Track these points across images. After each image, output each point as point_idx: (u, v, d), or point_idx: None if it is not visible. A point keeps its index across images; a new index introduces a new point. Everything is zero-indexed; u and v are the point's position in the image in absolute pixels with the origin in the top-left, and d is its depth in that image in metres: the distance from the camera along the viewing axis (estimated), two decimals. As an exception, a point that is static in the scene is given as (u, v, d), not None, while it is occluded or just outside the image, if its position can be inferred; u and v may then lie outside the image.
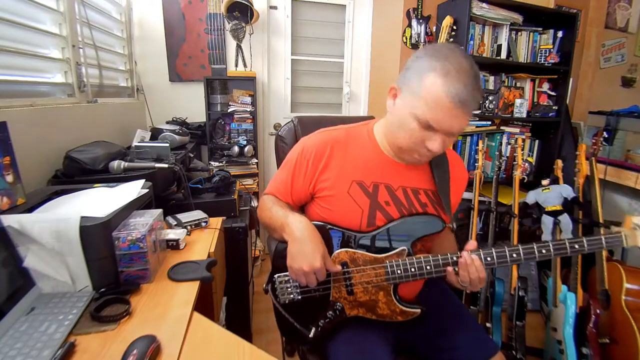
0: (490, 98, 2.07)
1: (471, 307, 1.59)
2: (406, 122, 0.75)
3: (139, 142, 1.43)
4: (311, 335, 0.82)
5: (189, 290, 0.78)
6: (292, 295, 0.84)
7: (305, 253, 0.75)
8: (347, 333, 0.83)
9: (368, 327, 0.84)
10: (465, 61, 0.71)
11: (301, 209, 0.97)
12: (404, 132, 0.77)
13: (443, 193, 0.88)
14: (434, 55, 0.72)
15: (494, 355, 0.83)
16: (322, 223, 0.84)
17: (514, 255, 0.77)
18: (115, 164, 1.14)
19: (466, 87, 0.68)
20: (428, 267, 0.78)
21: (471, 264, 0.75)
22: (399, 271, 0.79)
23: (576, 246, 0.76)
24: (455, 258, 0.78)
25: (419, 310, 0.82)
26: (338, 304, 0.83)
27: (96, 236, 0.72)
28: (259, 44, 2.38)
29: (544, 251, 0.76)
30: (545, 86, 2.23)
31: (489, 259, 0.77)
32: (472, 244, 0.79)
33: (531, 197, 1.72)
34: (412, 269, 0.79)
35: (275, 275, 0.86)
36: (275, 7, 2.46)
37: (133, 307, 0.71)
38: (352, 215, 0.83)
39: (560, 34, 2.14)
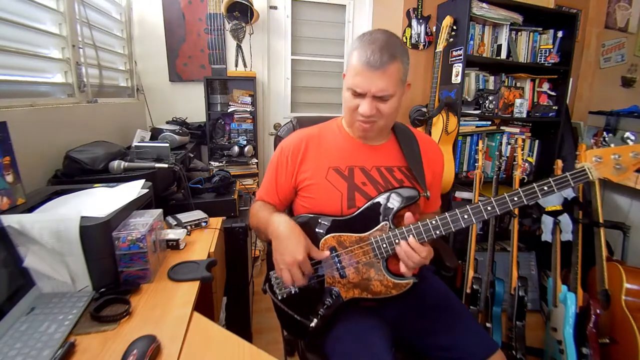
0: (490, 98, 2.07)
1: (471, 307, 1.59)
2: (345, 97, 0.87)
3: (139, 142, 1.43)
4: (313, 325, 0.83)
5: (189, 290, 0.78)
6: (288, 289, 0.86)
7: (288, 247, 0.79)
8: (345, 330, 0.83)
9: (367, 324, 0.84)
10: (378, 34, 0.82)
11: (289, 210, 1.02)
12: (345, 106, 0.88)
13: (415, 166, 0.93)
14: (358, 38, 0.85)
15: (494, 353, 0.83)
16: (308, 215, 0.89)
17: (465, 216, 0.78)
18: (115, 164, 1.14)
19: (373, 52, 0.79)
20: (411, 236, 0.79)
21: (408, 250, 0.77)
22: (384, 245, 0.81)
23: (545, 188, 0.76)
24: (434, 222, 0.79)
25: (411, 281, 0.82)
26: (334, 289, 0.84)
27: (96, 236, 0.73)
28: (259, 44, 2.38)
29: (515, 199, 0.76)
30: (545, 86, 2.23)
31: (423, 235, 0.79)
32: (409, 216, 0.80)
33: (531, 197, 1.72)
34: (397, 241, 0.80)
35: (271, 272, 0.88)
36: (275, 7, 2.46)
37: (133, 307, 0.71)
38: (333, 200, 0.88)
39: (560, 34, 2.14)
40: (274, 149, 1.24)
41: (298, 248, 0.78)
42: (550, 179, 0.76)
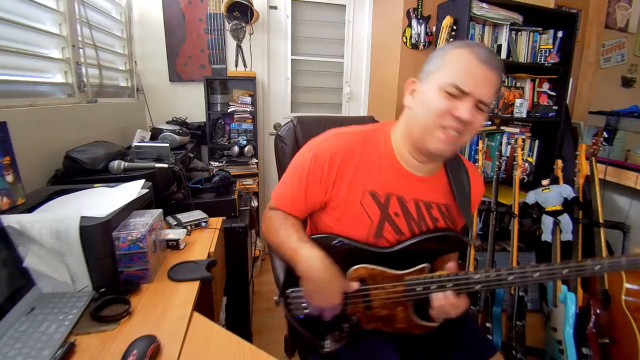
0: (490, 98, 2.07)
1: (471, 307, 1.59)
2: (430, 98, 0.72)
3: (139, 142, 1.42)
4: (327, 349, 0.80)
5: (189, 290, 0.78)
6: (307, 310, 0.81)
7: (324, 294, 0.74)
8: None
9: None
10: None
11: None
12: (427, 110, 0.73)
13: (463, 204, 0.83)
14: (452, 42, 0.76)
15: (493, 357, 0.83)
16: (343, 240, 0.80)
17: (510, 278, 0.72)
18: (115, 164, 1.14)
19: (489, 52, 0.70)
20: (449, 285, 0.74)
21: (445, 305, 0.73)
22: (418, 288, 0.76)
23: (597, 267, 0.71)
24: (477, 277, 0.73)
25: (437, 324, 0.80)
26: (354, 317, 0.80)
27: (96, 236, 0.72)
28: (259, 44, 2.38)
29: (564, 272, 0.70)
30: (545, 86, 2.23)
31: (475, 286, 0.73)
32: (451, 267, 0.75)
33: (531, 197, 1.73)
34: (433, 287, 0.75)
35: (289, 290, 0.83)
36: (275, 7, 2.46)
37: (133, 307, 0.71)
38: (361, 226, 0.80)
39: (560, 34, 2.14)
40: (274, 149, 1.23)
41: (335, 294, 0.73)
42: (606, 260, 0.71)
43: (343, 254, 0.78)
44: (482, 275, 0.72)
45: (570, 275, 0.71)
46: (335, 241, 0.79)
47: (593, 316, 1.40)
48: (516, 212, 1.70)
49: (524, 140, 2.19)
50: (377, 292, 0.78)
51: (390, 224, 0.80)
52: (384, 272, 0.78)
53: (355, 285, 0.76)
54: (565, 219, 1.57)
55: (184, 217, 1.13)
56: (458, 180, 0.84)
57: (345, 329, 0.80)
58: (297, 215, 0.86)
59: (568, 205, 1.59)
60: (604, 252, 1.45)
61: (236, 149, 2.16)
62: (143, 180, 1.02)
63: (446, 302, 0.73)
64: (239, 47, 2.28)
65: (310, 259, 0.73)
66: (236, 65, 2.32)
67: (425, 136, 0.74)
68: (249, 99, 2.27)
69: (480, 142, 1.92)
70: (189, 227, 1.09)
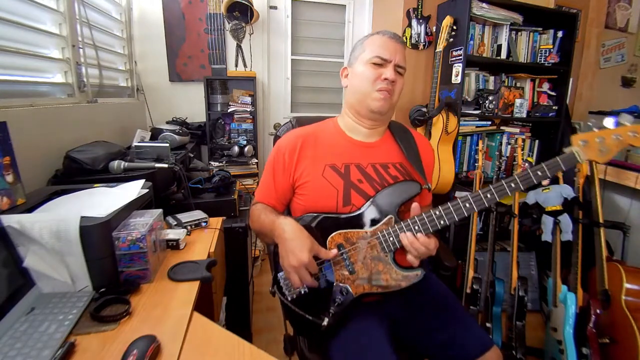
0: (490, 98, 2.07)
1: (471, 307, 1.59)
2: (361, 73, 0.92)
3: (139, 142, 1.43)
4: (325, 323, 0.82)
5: (189, 290, 0.78)
6: (298, 289, 0.86)
7: (293, 250, 0.79)
8: (346, 331, 0.84)
9: (368, 323, 0.85)
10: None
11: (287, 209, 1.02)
12: (362, 81, 0.92)
13: (414, 160, 0.96)
14: (367, 34, 0.97)
15: (489, 350, 0.84)
16: (312, 215, 0.88)
17: (467, 205, 0.80)
18: (115, 164, 1.14)
19: (393, 33, 0.93)
20: (416, 228, 0.82)
21: (414, 241, 0.80)
22: (390, 238, 0.83)
23: (539, 173, 0.80)
24: (438, 213, 0.81)
25: (419, 272, 0.83)
26: (343, 286, 0.84)
27: (96, 236, 0.72)
28: (259, 44, 2.38)
29: (512, 185, 0.80)
30: (545, 86, 2.23)
31: (432, 223, 0.81)
32: (415, 207, 0.82)
33: (531, 197, 1.72)
34: (403, 233, 0.82)
35: (279, 274, 0.88)
36: (275, 7, 2.46)
37: (133, 307, 0.71)
38: (329, 197, 0.89)
39: (560, 34, 2.15)
40: (274, 149, 1.24)
41: (302, 250, 0.78)
42: (543, 164, 0.79)
43: (319, 228, 0.86)
44: (441, 209, 0.81)
45: (516, 188, 0.80)
46: (311, 216, 0.88)
47: (593, 316, 1.40)
48: (516, 212, 1.70)
49: (524, 140, 2.19)
50: (356, 252, 0.84)
51: (356, 191, 0.90)
52: (357, 232, 0.85)
53: (334, 251, 0.83)
54: (565, 219, 1.57)
55: (184, 217, 1.13)
56: (405, 141, 0.99)
57: (338, 300, 0.83)
58: (274, 205, 0.97)
59: (568, 205, 1.59)
60: (604, 252, 1.45)
61: (236, 149, 2.16)
62: (143, 180, 1.02)
63: (416, 241, 0.80)
64: (239, 47, 2.28)
65: (282, 224, 0.83)
66: (236, 65, 2.32)
67: (366, 99, 0.92)
68: (249, 99, 2.27)
69: (480, 142, 1.91)
70: (189, 227, 1.09)
